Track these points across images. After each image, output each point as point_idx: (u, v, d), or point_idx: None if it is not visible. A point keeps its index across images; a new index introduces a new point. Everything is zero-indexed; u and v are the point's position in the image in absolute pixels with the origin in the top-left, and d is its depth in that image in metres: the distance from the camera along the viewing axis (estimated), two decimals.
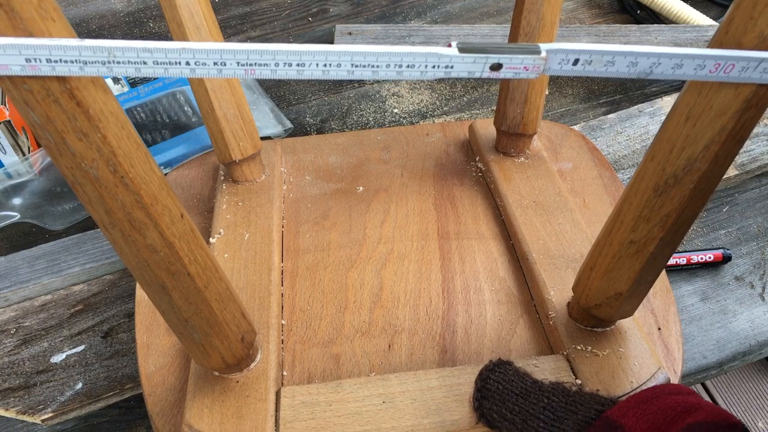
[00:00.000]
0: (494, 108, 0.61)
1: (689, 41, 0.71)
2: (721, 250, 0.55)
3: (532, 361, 0.38)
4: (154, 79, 0.68)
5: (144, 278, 0.30)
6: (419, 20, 0.79)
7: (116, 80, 0.68)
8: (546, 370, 0.37)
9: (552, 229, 0.47)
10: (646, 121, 0.67)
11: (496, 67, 0.27)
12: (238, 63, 0.26)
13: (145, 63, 0.26)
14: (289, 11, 0.80)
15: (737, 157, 0.63)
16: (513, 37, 0.50)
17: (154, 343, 0.43)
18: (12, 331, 0.51)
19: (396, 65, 0.27)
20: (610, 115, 0.68)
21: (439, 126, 0.61)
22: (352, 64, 0.26)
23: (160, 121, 0.63)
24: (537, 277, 0.44)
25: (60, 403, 0.47)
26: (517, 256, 0.48)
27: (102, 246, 0.56)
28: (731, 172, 0.62)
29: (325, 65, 0.27)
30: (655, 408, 0.28)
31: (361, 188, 0.54)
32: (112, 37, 0.76)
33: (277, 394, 0.37)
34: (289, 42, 0.76)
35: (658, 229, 0.31)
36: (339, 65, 0.26)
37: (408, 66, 0.27)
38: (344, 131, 0.68)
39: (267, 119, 0.67)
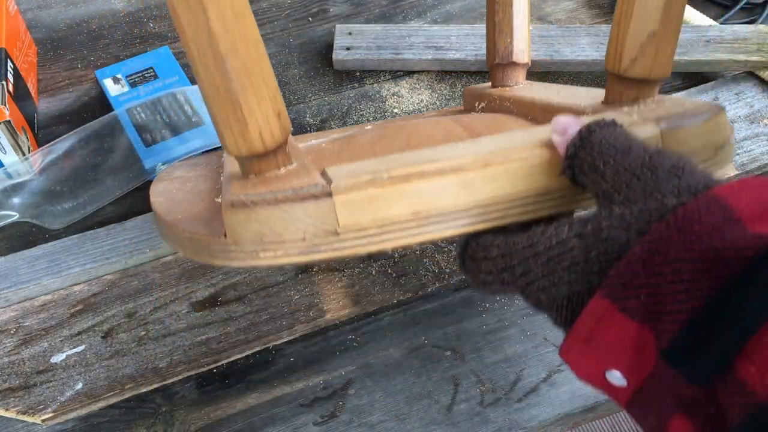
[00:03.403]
0: None
1: (689, 41, 0.71)
2: None
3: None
4: (155, 78, 0.68)
5: None
6: (419, 20, 0.79)
7: (116, 80, 0.68)
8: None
9: (569, 92, 0.49)
10: None
11: None
12: None
13: None
14: (288, 11, 0.80)
15: (737, 156, 0.63)
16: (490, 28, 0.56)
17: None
18: (12, 331, 0.51)
19: None
20: None
21: None
22: None
23: (160, 121, 0.63)
24: (568, 102, 0.45)
25: (60, 403, 0.47)
26: (542, 121, 0.47)
27: (102, 246, 0.56)
28: (731, 172, 0.62)
29: None
30: None
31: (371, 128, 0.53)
32: (112, 36, 0.76)
33: (323, 173, 0.33)
34: (289, 42, 0.76)
35: None
36: None
37: None
38: None
39: None
